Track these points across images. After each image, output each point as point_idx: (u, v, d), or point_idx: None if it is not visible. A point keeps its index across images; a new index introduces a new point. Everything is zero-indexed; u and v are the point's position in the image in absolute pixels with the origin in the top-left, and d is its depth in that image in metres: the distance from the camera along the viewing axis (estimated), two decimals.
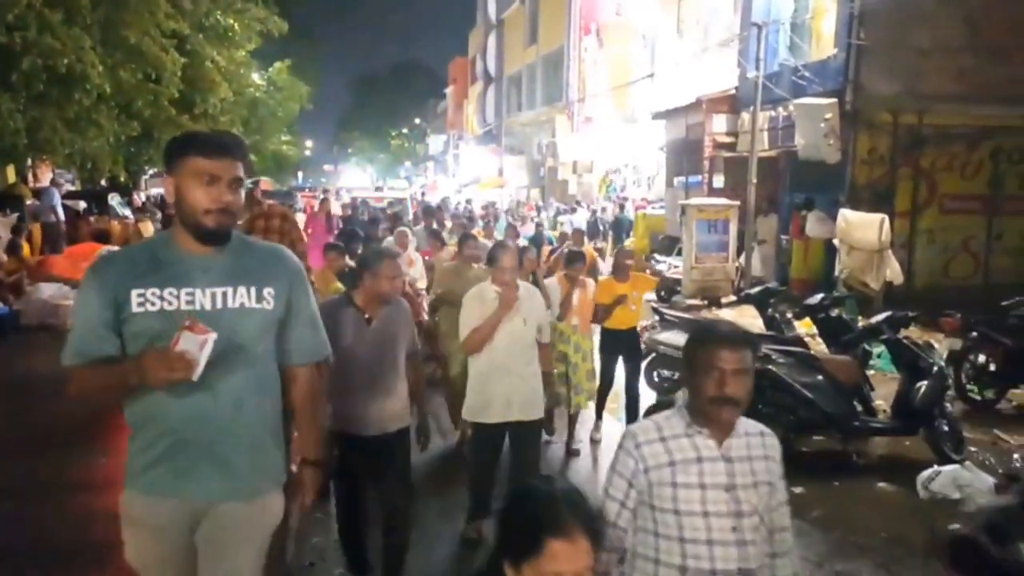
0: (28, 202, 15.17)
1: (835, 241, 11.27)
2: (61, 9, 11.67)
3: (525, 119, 34.15)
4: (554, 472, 5.61)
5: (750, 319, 9.94)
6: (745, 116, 14.86)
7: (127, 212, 18.59)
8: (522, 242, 9.94)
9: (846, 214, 11.02)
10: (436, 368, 6.50)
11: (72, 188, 20.19)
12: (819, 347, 7.73)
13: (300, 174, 58.97)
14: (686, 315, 8.49)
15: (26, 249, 12.48)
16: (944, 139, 12.40)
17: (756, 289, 8.97)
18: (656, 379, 7.66)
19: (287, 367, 2.36)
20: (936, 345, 6.99)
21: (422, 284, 7.80)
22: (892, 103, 12.04)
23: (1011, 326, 7.28)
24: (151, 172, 24.55)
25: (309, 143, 58.56)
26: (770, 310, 8.27)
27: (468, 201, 27.26)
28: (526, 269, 5.68)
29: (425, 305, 6.51)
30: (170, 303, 2.10)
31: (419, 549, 3.89)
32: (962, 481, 4.44)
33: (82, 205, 17.40)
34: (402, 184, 47.48)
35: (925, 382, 5.91)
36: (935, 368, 6.01)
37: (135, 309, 2.09)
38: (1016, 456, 6.27)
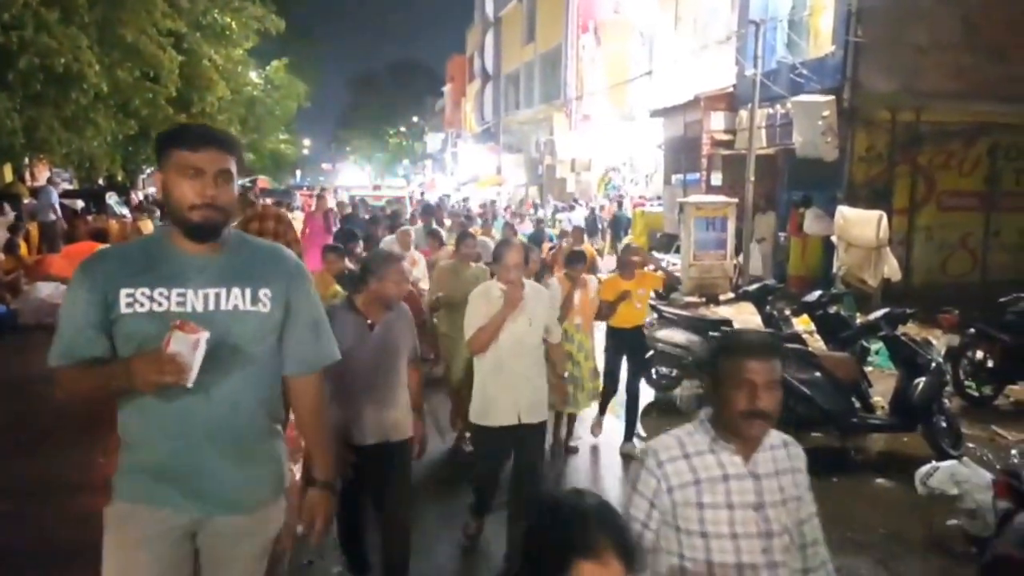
0: (25, 201, 15.17)
1: (833, 238, 11.28)
2: (58, 8, 11.65)
3: (523, 117, 34.14)
4: (553, 471, 5.61)
5: (748, 316, 9.96)
6: (743, 114, 14.86)
7: (125, 211, 18.57)
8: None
9: (844, 211, 11.03)
10: (434, 366, 6.50)
11: (69, 187, 20.17)
12: (817, 344, 7.74)
13: (298, 173, 58.89)
14: (684, 312, 8.50)
15: (23, 248, 12.47)
16: (942, 136, 12.41)
17: (754, 286, 8.97)
18: (655, 376, 7.68)
19: (286, 377, 2.25)
20: (934, 342, 7.01)
21: (425, 284, 7.76)
22: (890, 100, 12.06)
23: (1009, 322, 7.29)
24: (149, 171, 24.48)
25: (307, 142, 58.46)
26: (768, 307, 8.28)
27: (465, 199, 27.25)
28: (531, 268, 5.60)
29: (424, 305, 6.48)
30: (160, 304, 2.00)
31: (419, 555, 3.83)
32: (960, 477, 4.44)
33: (80, 204, 17.38)
34: (400, 183, 47.46)
35: (923, 378, 5.92)
36: (933, 364, 6.02)
37: (124, 310, 1.99)
38: (1014, 452, 6.29)
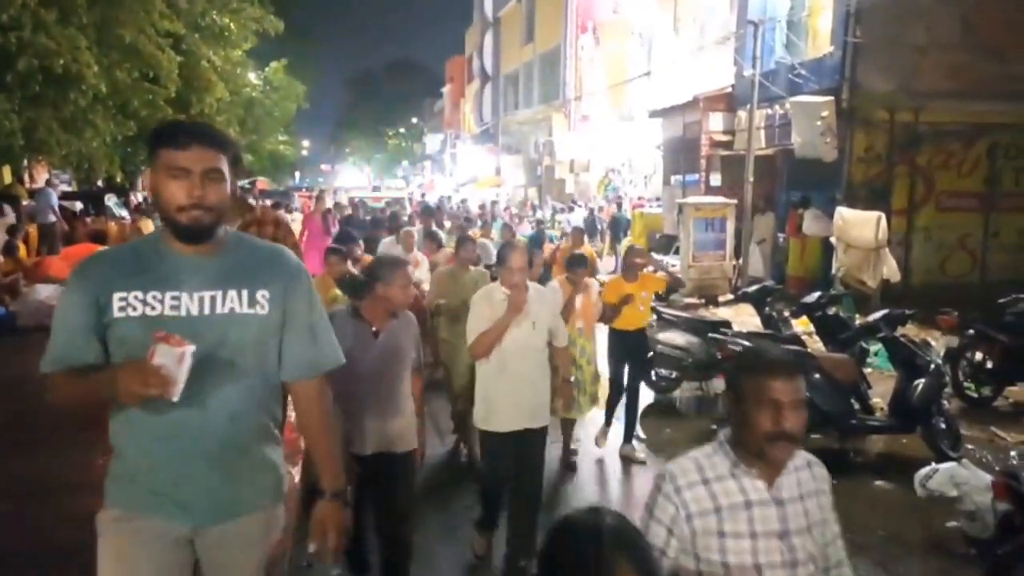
0: (24, 203, 15.15)
1: (832, 239, 11.28)
2: (56, 9, 11.65)
3: (522, 118, 34.14)
4: (554, 479, 5.58)
5: (747, 317, 9.96)
6: (742, 114, 14.87)
7: (123, 213, 18.56)
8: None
9: (843, 212, 11.03)
10: (435, 370, 6.48)
11: (68, 189, 20.17)
12: (816, 345, 7.75)
13: (297, 174, 58.92)
14: (684, 314, 8.50)
15: (22, 250, 12.46)
16: (940, 136, 12.42)
17: (753, 288, 8.98)
18: (654, 378, 7.68)
19: (288, 383, 2.18)
20: (933, 343, 7.00)
21: (427, 285, 7.74)
22: (888, 101, 12.06)
23: (1008, 323, 7.29)
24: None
25: (306, 143, 58.49)
26: (767, 308, 8.29)
27: (463, 201, 27.22)
28: (534, 271, 5.53)
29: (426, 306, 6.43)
30: (153, 308, 1.93)
31: (419, 558, 3.79)
32: (959, 479, 4.43)
33: (79, 206, 17.38)
34: (399, 184, 47.47)
35: (922, 380, 5.92)
36: (932, 366, 6.01)
37: (116, 314, 1.92)
38: (1013, 453, 6.28)
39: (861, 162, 12.43)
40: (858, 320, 7.79)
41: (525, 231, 16.39)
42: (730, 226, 13.50)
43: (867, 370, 7.32)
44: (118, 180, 18.17)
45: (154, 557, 2.00)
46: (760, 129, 14.03)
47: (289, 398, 2.29)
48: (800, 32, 13.95)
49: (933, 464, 4.76)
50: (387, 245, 8.59)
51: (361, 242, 8.82)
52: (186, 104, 16.94)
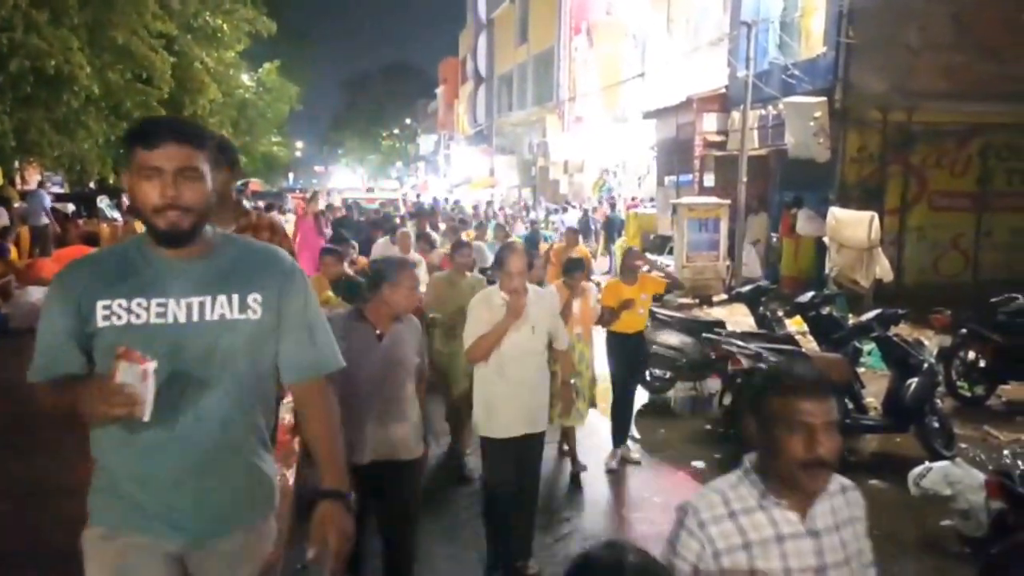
0: (16, 205, 15.07)
1: (825, 239, 11.31)
2: (48, 10, 11.59)
3: (516, 119, 34.15)
4: (551, 480, 5.57)
5: (741, 317, 9.97)
6: (735, 115, 14.89)
7: (116, 214, 18.47)
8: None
9: (836, 212, 11.06)
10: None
11: (60, 190, 20.07)
12: (810, 345, 7.76)
13: (291, 175, 58.86)
14: (678, 314, 8.51)
15: (14, 252, 12.40)
16: (933, 136, 12.46)
17: (747, 288, 8.99)
18: (649, 378, 7.68)
19: (290, 386, 2.08)
20: (926, 342, 7.03)
21: (424, 287, 7.69)
22: (881, 101, 12.10)
23: (1000, 323, 7.32)
24: None
25: (299, 144, 58.48)
26: (761, 308, 8.30)
27: (456, 202, 27.19)
28: (534, 274, 5.41)
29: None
30: (138, 316, 1.83)
31: (419, 564, 3.74)
32: (953, 478, 4.45)
33: (71, 208, 17.28)
34: (393, 184, 47.41)
35: (915, 379, 5.93)
36: (925, 365, 6.03)
37: (100, 323, 1.82)
38: (1006, 452, 6.30)
39: (854, 162, 12.47)
40: (851, 320, 7.81)
41: (520, 231, 16.39)
42: (724, 226, 13.53)
43: (860, 369, 7.33)
44: (111, 182, 18.09)
45: None
46: (753, 129, 14.05)
47: (283, 401, 2.23)
48: (793, 33, 13.99)
49: (927, 463, 4.77)
50: (382, 246, 8.57)
51: (355, 244, 8.79)
52: (179, 105, 16.88)
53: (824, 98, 12.09)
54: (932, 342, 7.62)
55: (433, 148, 56.04)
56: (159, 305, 1.85)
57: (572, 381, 4.66)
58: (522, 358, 3.93)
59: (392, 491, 3.41)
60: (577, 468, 5.74)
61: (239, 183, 3.50)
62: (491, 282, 5.13)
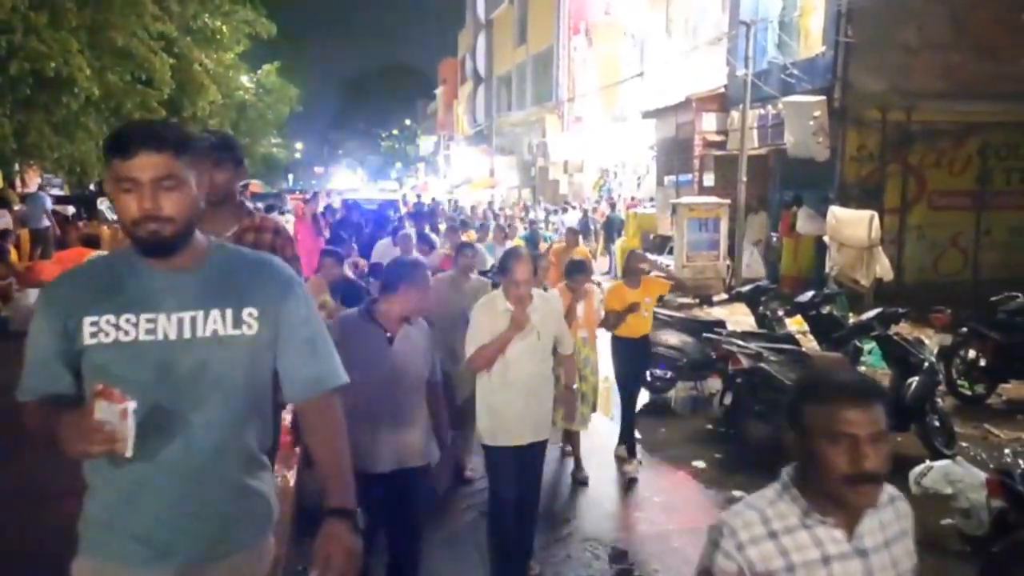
0: (16, 207, 15.07)
1: (825, 238, 11.32)
2: (47, 12, 11.60)
3: (515, 119, 34.15)
4: (553, 480, 5.55)
5: (741, 317, 9.98)
6: (734, 114, 14.89)
7: (116, 217, 18.47)
8: (511, 243, 9.90)
9: (835, 211, 11.06)
10: None
11: (60, 193, 20.07)
12: (810, 344, 7.77)
13: (290, 176, 58.88)
14: (678, 314, 8.52)
15: (14, 255, 12.40)
16: (932, 135, 12.46)
17: (747, 287, 9.00)
18: (649, 378, 7.68)
19: (289, 403, 1.99)
20: (926, 341, 7.02)
21: None
22: (880, 100, 12.10)
23: (1000, 321, 7.32)
24: None
25: (299, 145, 58.54)
26: (761, 308, 8.31)
27: (454, 201, 27.16)
28: (539, 278, 5.21)
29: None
30: (127, 332, 1.74)
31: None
32: (954, 476, 4.45)
33: (71, 210, 17.28)
34: (393, 185, 47.44)
35: (916, 378, 5.94)
36: (926, 364, 6.04)
37: (88, 341, 1.74)
38: (1007, 451, 6.30)
39: (853, 161, 12.47)
40: (852, 319, 7.81)
41: (519, 233, 16.35)
42: (724, 226, 13.54)
43: (861, 368, 7.34)
44: None
45: None
46: (753, 129, 14.05)
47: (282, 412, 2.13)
48: (792, 32, 14.00)
49: (927, 462, 4.77)
50: (384, 247, 8.57)
51: (355, 246, 8.77)
52: (179, 107, 16.90)
53: (823, 97, 12.10)
54: (932, 341, 7.62)
55: (433, 149, 56.08)
56: (148, 321, 1.75)
57: (575, 386, 4.57)
58: (527, 365, 3.83)
59: (404, 498, 3.32)
60: (580, 476, 5.68)
61: (239, 184, 3.36)
62: (494, 284, 5.10)
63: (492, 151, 37.15)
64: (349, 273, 6.46)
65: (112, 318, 1.75)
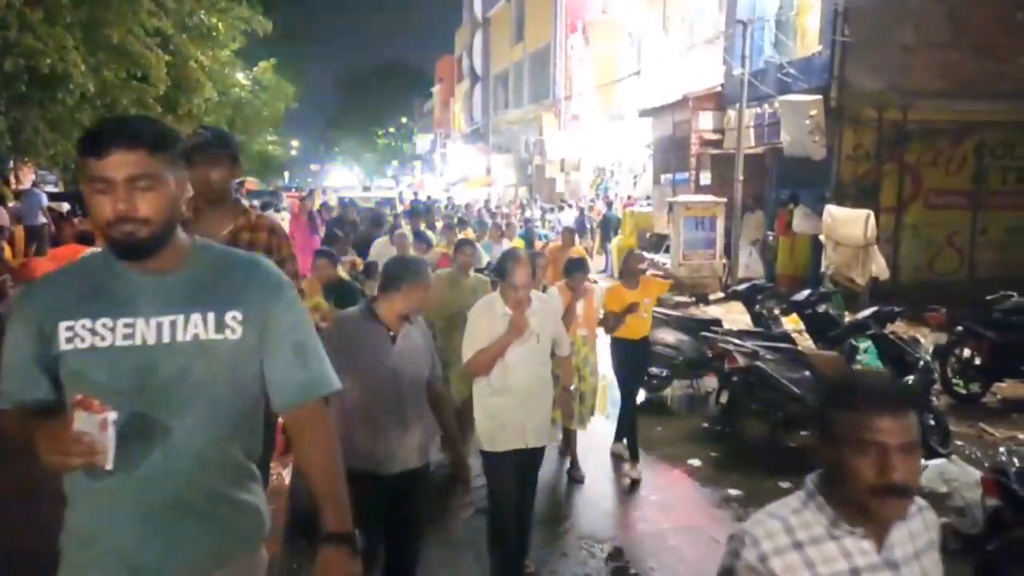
0: (10, 204, 15.04)
1: (821, 237, 11.33)
2: (42, 8, 11.55)
3: (512, 117, 34.13)
4: (552, 480, 5.54)
5: (738, 315, 9.99)
6: (731, 113, 14.91)
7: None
8: (508, 244, 9.89)
9: (832, 210, 11.07)
10: None
11: (55, 190, 20.02)
12: (806, 343, 7.78)
13: (287, 174, 58.72)
14: (674, 312, 8.52)
15: (8, 252, 12.36)
16: (928, 134, 12.48)
17: (743, 286, 9.01)
18: (645, 377, 7.69)
19: (278, 413, 1.90)
20: (922, 340, 7.05)
21: None
22: (877, 99, 12.11)
23: (996, 320, 7.34)
24: None
25: (295, 143, 58.31)
26: (758, 307, 8.32)
27: (450, 199, 27.14)
28: (538, 279, 5.18)
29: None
30: (103, 337, 1.67)
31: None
32: (949, 475, 4.47)
33: (66, 207, 17.25)
34: (389, 183, 47.39)
35: (911, 376, 5.95)
36: (921, 363, 6.05)
37: (63, 346, 1.67)
38: (1002, 449, 6.32)
39: (850, 160, 12.48)
40: (847, 317, 7.82)
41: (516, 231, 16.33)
42: (720, 225, 13.55)
43: (856, 367, 7.35)
44: None
45: None
46: (749, 128, 14.07)
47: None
48: (789, 31, 14.00)
49: (923, 460, 4.79)
50: (381, 246, 8.55)
51: (350, 245, 8.73)
52: (174, 104, 16.84)
53: (820, 96, 12.11)
54: (928, 340, 7.64)
55: (429, 147, 56.05)
56: (126, 326, 1.68)
57: (573, 387, 4.53)
58: (527, 368, 3.78)
59: (405, 501, 3.28)
60: (576, 474, 5.68)
61: (235, 181, 3.33)
62: (493, 283, 5.08)
63: (489, 149, 37.15)
64: (343, 273, 6.42)
65: (88, 322, 1.68)
